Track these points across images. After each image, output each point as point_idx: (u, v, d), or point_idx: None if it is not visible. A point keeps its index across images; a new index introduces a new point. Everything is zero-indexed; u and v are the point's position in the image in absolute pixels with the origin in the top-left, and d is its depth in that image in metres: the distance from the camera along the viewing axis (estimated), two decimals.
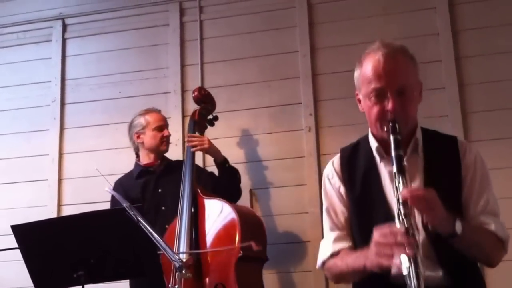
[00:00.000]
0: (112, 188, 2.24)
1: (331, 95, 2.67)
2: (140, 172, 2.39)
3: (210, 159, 2.50)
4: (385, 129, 1.29)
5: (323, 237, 1.44)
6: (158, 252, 1.86)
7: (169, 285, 2.04)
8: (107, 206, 2.35)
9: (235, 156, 2.59)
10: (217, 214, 2.12)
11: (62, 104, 3.00)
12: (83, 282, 1.99)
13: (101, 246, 2.02)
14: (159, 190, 2.30)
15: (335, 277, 1.40)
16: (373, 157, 1.37)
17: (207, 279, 2.06)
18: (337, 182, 1.42)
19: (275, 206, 2.56)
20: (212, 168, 2.47)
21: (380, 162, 1.37)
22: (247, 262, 2.01)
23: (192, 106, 2.83)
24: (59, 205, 2.84)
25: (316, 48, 2.75)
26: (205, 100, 2.48)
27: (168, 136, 2.42)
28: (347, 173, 1.40)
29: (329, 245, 1.39)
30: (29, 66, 3.09)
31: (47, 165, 2.92)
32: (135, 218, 1.84)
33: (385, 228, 1.16)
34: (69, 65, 3.06)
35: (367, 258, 1.20)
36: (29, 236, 2.06)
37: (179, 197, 2.17)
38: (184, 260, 2.00)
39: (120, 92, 2.96)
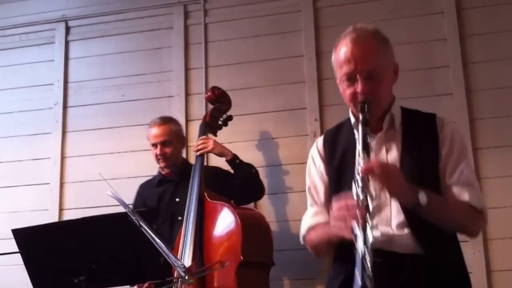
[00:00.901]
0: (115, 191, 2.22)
1: (337, 100, 2.61)
2: (160, 181, 2.40)
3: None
4: (357, 110, 1.36)
5: None
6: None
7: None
8: (109, 210, 2.30)
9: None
10: (221, 219, 2.10)
11: (65, 107, 2.98)
12: (84, 287, 1.97)
13: (102, 251, 2.00)
14: (176, 200, 2.28)
15: (313, 250, 1.48)
16: (353, 134, 1.43)
17: (210, 284, 2.05)
18: (318, 160, 1.49)
19: (280, 212, 2.54)
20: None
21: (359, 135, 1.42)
22: (249, 267, 1.99)
23: (196, 110, 2.83)
24: (61, 209, 2.82)
25: (321, 52, 2.73)
26: (219, 100, 2.44)
27: (160, 155, 2.32)
28: (329, 150, 1.46)
29: (307, 219, 1.47)
30: (32, 68, 3.08)
31: (49, 168, 2.90)
32: (137, 223, 1.81)
33: (341, 201, 1.23)
34: (72, 67, 3.04)
35: (329, 229, 1.29)
36: (30, 241, 2.04)
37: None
38: (187, 265, 1.99)
39: (123, 96, 2.94)
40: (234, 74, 2.82)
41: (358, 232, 1.16)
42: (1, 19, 3.16)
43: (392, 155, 1.37)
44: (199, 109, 2.80)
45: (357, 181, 1.23)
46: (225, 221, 2.09)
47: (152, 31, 2.99)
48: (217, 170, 2.38)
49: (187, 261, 2.05)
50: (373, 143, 1.36)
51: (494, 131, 2.45)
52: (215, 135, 2.45)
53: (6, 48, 3.14)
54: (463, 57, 2.56)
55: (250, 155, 2.67)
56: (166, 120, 2.40)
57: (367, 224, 1.17)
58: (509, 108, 2.47)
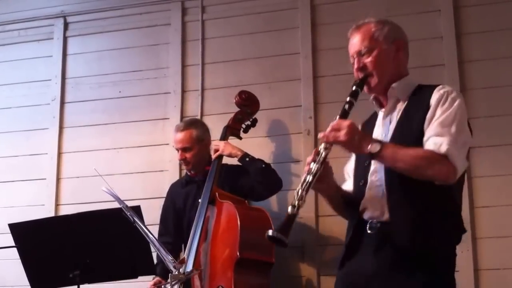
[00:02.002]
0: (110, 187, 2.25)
1: (332, 98, 2.64)
2: (187, 181, 2.46)
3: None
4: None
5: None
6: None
7: (163, 286, 2.05)
8: (105, 206, 2.33)
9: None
10: (225, 218, 2.15)
11: (62, 102, 2.99)
12: (79, 282, 2.00)
13: (97, 246, 2.03)
14: (199, 201, 2.30)
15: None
16: (375, 113, 1.64)
17: (211, 281, 2.08)
18: None
19: (272, 210, 2.54)
20: None
21: (379, 112, 1.61)
22: (248, 265, 2.01)
23: (191, 107, 2.84)
24: (57, 205, 2.83)
25: (317, 49, 2.73)
26: (246, 104, 2.47)
27: (181, 159, 2.40)
28: (362, 129, 1.63)
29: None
30: (30, 64, 3.09)
31: (46, 164, 2.91)
32: (132, 219, 1.83)
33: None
34: (70, 63, 3.04)
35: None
36: (26, 235, 2.07)
37: None
38: (191, 267, 2.04)
39: (120, 92, 2.94)
40: (230, 71, 2.82)
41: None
42: (1, 15, 3.17)
43: (392, 126, 1.51)
44: (195, 105, 2.81)
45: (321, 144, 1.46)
46: (227, 220, 2.12)
47: (149, 28, 2.99)
48: (232, 167, 2.42)
49: (191, 261, 2.09)
50: (380, 116, 1.57)
51: (487, 130, 2.43)
52: (239, 138, 2.47)
53: (5, 44, 3.15)
54: (459, 55, 2.55)
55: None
56: (188, 125, 2.44)
57: (309, 181, 1.42)
58: (503, 107, 2.46)
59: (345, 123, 1.42)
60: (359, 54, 1.53)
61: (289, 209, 1.40)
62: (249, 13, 2.87)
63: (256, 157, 2.38)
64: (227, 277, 2.01)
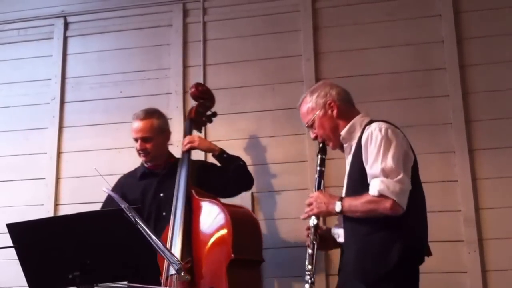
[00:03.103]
0: (111, 187, 2.21)
1: None
2: (143, 174, 2.34)
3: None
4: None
5: None
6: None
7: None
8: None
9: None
10: (211, 217, 2.09)
11: (62, 102, 2.97)
12: (78, 283, 1.96)
13: (97, 247, 1.99)
14: (161, 195, 2.25)
15: None
16: None
17: (200, 283, 2.03)
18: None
19: (277, 210, 2.54)
20: None
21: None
22: (241, 265, 1.98)
23: None
24: (56, 205, 2.81)
25: (320, 52, 2.74)
26: (203, 96, 2.44)
27: (140, 150, 2.28)
28: None
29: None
30: (30, 63, 3.08)
31: (45, 163, 2.89)
32: (133, 220, 1.81)
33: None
34: (70, 63, 3.04)
35: None
36: (24, 235, 2.03)
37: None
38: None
39: (121, 92, 2.94)
40: (232, 72, 2.82)
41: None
42: (1, 14, 3.16)
43: (347, 167, 1.78)
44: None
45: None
46: (214, 219, 2.07)
47: (151, 28, 2.99)
48: (203, 163, 2.38)
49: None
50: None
51: (489, 133, 2.47)
52: (200, 132, 2.45)
53: (5, 43, 3.14)
54: (460, 60, 2.57)
55: (247, 153, 2.68)
56: (148, 114, 2.32)
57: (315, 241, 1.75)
58: (504, 110, 2.49)
59: (313, 196, 1.76)
60: (309, 125, 1.86)
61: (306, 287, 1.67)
62: (251, 16, 2.88)
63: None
64: (220, 278, 1.97)
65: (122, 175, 2.44)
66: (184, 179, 2.16)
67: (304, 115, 1.87)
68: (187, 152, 2.27)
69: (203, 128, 2.52)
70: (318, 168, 1.80)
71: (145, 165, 2.35)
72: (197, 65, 2.87)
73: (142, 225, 1.80)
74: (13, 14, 3.14)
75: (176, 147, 2.69)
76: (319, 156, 1.82)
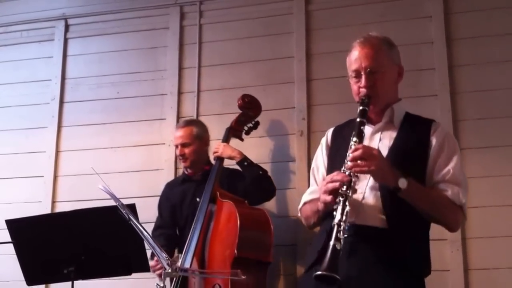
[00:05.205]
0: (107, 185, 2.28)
1: (324, 100, 2.70)
2: (183, 180, 2.50)
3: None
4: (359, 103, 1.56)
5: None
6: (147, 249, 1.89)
7: (156, 284, 2.07)
8: (101, 204, 2.36)
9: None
10: (225, 217, 2.17)
11: (61, 102, 3.04)
12: (73, 278, 2.02)
13: (92, 243, 2.05)
14: (197, 199, 2.34)
15: (305, 220, 1.66)
16: None
17: (205, 280, 2.09)
18: (324, 146, 1.69)
19: (271, 210, 2.55)
20: None
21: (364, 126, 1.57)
22: (245, 264, 2.01)
23: (187, 108, 2.88)
24: (54, 202, 2.87)
25: (312, 54, 2.78)
26: (248, 107, 2.53)
27: (180, 155, 2.45)
28: (334, 138, 1.67)
29: (305, 195, 1.66)
30: (31, 64, 3.14)
31: (44, 162, 2.95)
32: (127, 217, 1.87)
33: (330, 176, 1.45)
34: (70, 64, 3.10)
35: (319, 201, 1.49)
36: (23, 231, 2.08)
37: None
38: (189, 263, 2.07)
39: (118, 92, 2.99)
40: (226, 73, 2.86)
41: (339, 197, 1.38)
42: (3, 16, 3.23)
43: (383, 144, 1.53)
44: (191, 106, 2.86)
45: (347, 162, 1.43)
46: (227, 218, 2.15)
47: (148, 31, 3.05)
48: (232, 170, 2.47)
49: (189, 257, 2.12)
50: (369, 130, 1.55)
51: (476, 132, 2.48)
52: (241, 140, 2.52)
53: (7, 44, 3.21)
54: (449, 60, 2.59)
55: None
56: (189, 123, 2.51)
57: (348, 194, 1.38)
58: (491, 110, 2.50)
59: (374, 152, 1.43)
60: (370, 70, 1.52)
61: (332, 243, 1.32)
62: (245, 18, 2.92)
63: (252, 158, 2.41)
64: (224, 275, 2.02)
65: (120, 173, 2.52)
66: (211, 184, 2.27)
67: (373, 56, 1.52)
68: (217, 159, 2.39)
69: (243, 135, 2.55)
70: (359, 119, 1.49)
71: (186, 172, 2.50)
72: (192, 67, 2.91)
73: (135, 221, 1.86)
74: (16, 16, 3.21)
75: (168, 147, 2.75)
76: (361, 108, 1.51)
